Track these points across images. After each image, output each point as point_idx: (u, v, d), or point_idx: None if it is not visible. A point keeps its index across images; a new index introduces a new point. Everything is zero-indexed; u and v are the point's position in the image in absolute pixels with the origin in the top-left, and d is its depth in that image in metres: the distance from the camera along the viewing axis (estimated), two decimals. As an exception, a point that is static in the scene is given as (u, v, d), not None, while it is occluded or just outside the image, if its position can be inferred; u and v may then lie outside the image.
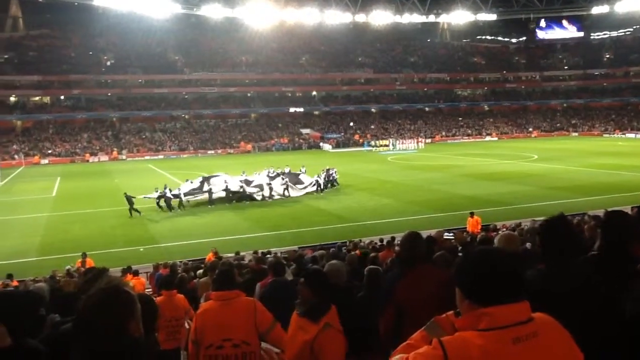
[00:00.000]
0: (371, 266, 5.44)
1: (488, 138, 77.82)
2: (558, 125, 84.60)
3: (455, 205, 24.46)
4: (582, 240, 4.19)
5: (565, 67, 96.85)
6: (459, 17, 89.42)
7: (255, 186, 28.68)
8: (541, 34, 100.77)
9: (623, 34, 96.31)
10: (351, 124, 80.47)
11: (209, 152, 67.29)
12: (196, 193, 27.49)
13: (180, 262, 14.36)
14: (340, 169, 35.56)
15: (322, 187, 30.63)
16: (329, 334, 3.37)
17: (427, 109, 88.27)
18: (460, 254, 6.53)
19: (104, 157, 62.75)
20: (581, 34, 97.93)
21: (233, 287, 3.93)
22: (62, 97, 72.99)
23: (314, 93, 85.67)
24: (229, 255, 14.72)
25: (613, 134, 75.60)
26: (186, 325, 6.14)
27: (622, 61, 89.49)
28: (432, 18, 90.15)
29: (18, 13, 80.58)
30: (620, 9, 79.24)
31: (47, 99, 72.69)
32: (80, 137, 67.39)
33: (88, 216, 25.80)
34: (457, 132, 79.95)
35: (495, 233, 10.70)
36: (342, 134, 76.05)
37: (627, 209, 15.21)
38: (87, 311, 1.88)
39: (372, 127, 80.00)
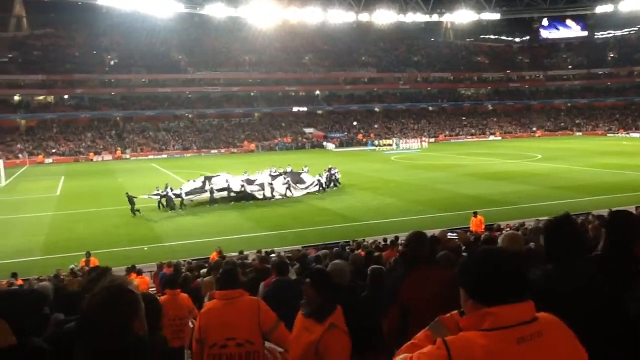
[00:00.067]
0: (374, 265, 5.43)
1: (491, 137, 77.58)
2: (562, 124, 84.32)
3: (458, 204, 24.39)
4: (586, 240, 4.17)
5: (569, 67, 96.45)
6: (462, 17, 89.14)
7: (257, 185, 28.71)
8: (545, 34, 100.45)
9: (627, 33, 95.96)
10: (354, 123, 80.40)
11: (213, 151, 67.32)
12: (198, 192, 27.53)
13: (184, 261, 14.39)
14: (343, 168, 35.53)
15: (324, 186, 30.63)
16: (334, 335, 3.34)
17: (430, 108, 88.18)
18: (464, 254, 6.52)
19: (108, 156, 62.89)
20: (585, 33, 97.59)
21: (237, 286, 3.93)
22: (65, 97, 73.15)
23: (317, 92, 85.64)
24: (233, 254, 14.73)
25: (617, 133, 75.28)
26: (190, 324, 6.15)
27: (626, 60, 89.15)
28: (435, 17, 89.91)
29: (22, 12, 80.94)
30: (624, 8, 78.90)
31: (51, 98, 72.89)
32: (84, 137, 67.58)
33: (92, 215, 25.88)
34: (460, 131, 79.79)
35: (499, 233, 10.68)
36: (346, 133, 75.99)
37: (632, 208, 15.22)
38: (91, 310, 1.89)
39: (376, 126, 79.96)
